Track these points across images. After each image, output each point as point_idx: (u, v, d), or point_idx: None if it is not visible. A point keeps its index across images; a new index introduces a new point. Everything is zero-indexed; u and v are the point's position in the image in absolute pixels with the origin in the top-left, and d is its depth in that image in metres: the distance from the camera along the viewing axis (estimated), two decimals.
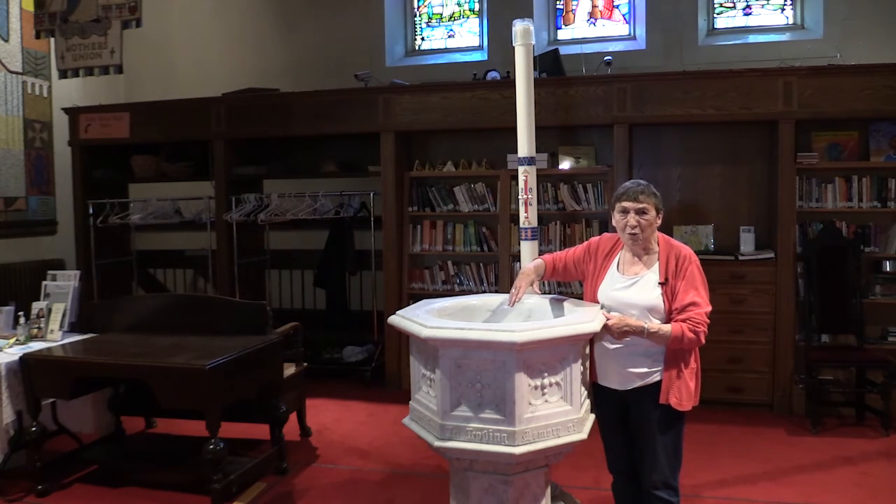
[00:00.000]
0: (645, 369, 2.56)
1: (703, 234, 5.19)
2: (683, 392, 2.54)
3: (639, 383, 2.57)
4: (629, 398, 2.61)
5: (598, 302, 2.69)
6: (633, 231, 2.58)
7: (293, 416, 4.37)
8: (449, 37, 6.76)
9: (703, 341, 2.52)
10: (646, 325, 2.49)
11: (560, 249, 5.18)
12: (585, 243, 2.86)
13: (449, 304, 2.86)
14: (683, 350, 2.54)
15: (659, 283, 2.58)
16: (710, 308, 2.55)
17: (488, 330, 2.33)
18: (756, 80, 4.76)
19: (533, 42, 3.32)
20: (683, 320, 2.50)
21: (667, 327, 2.50)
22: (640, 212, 2.57)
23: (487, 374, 2.30)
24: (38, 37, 5.70)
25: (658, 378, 2.56)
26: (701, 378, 2.65)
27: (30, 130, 6.31)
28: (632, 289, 2.61)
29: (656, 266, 2.61)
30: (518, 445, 2.27)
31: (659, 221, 2.63)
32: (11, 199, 6.12)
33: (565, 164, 5.40)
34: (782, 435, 4.43)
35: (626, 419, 2.66)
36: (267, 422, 3.97)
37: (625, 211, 2.60)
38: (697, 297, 2.53)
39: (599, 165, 5.34)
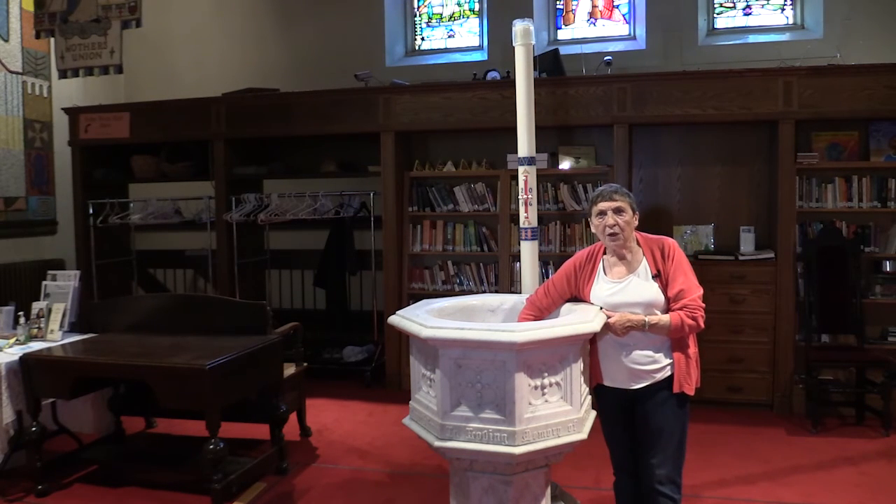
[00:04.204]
0: (654, 365, 2.58)
1: (703, 234, 5.19)
2: (693, 377, 2.60)
3: (649, 381, 2.58)
4: (638, 395, 2.61)
5: None
6: (612, 230, 2.61)
7: (293, 416, 4.37)
8: (449, 37, 6.76)
9: (703, 325, 2.55)
10: (646, 319, 2.52)
11: (560, 250, 5.25)
12: (563, 271, 2.79)
13: (449, 304, 2.86)
14: (684, 337, 2.57)
15: (653, 276, 2.60)
16: (701, 290, 2.59)
17: (488, 330, 2.33)
18: (756, 80, 4.75)
19: (533, 42, 3.33)
20: (680, 308, 2.53)
21: (665, 318, 2.53)
22: (617, 211, 2.61)
23: (487, 374, 2.30)
24: (38, 37, 5.70)
25: (669, 373, 2.58)
26: (700, 376, 2.68)
27: (30, 130, 6.31)
28: (627, 289, 2.62)
29: (644, 262, 2.65)
30: (518, 445, 2.27)
31: (635, 221, 2.66)
32: (11, 199, 6.12)
33: (565, 164, 5.40)
34: (782, 435, 4.43)
35: (631, 418, 2.67)
36: (267, 422, 3.97)
37: (602, 213, 2.63)
38: (688, 282, 2.58)
39: (599, 165, 5.34)
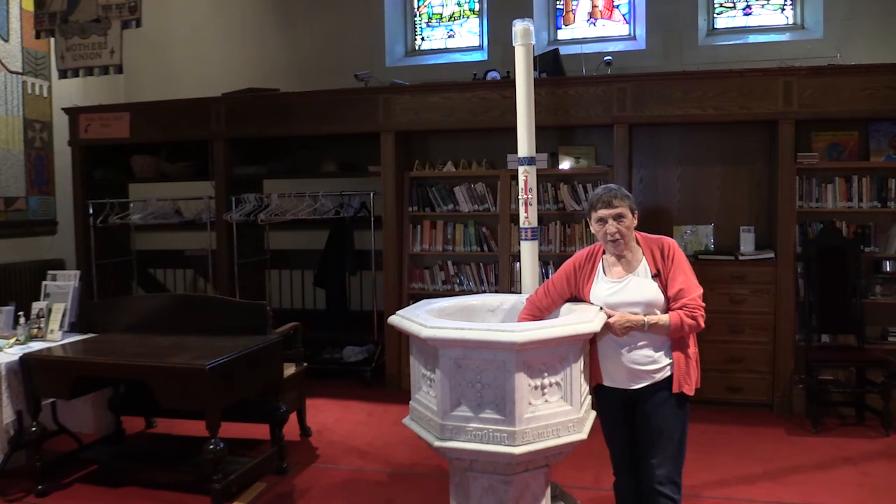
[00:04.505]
0: (654, 366, 2.58)
1: (703, 234, 5.19)
2: (692, 377, 2.60)
3: (648, 381, 2.59)
4: (638, 395, 2.61)
5: None
6: (613, 238, 2.61)
7: (293, 416, 4.37)
8: (449, 37, 6.75)
9: (703, 325, 2.55)
10: (645, 319, 2.52)
11: (560, 250, 5.25)
12: (562, 271, 2.79)
13: (449, 304, 2.86)
14: (684, 337, 2.57)
15: (653, 276, 2.60)
16: (701, 290, 2.59)
17: (488, 330, 2.33)
18: (756, 80, 4.75)
19: (533, 42, 3.33)
20: (679, 308, 2.53)
21: (665, 318, 2.53)
22: (618, 217, 2.60)
23: (487, 374, 2.30)
24: (38, 37, 5.70)
25: (669, 373, 2.58)
26: (700, 376, 2.68)
27: (30, 130, 6.31)
28: (627, 288, 2.62)
29: (643, 261, 2.65)
30: (518, 445, 2.27)
31: (635, 222, 2.66)
32: (11, 199, 6.12)
33: (565, 164, 5.40)
34: (782, 435, 4.43)
35: (631, 418, 2.67)
36: (267, 422, 3.97)
37: (602, 220, 2.62)
38: (687, 281, 2.58)
39: (599, 165, 5.34)
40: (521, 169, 3.36)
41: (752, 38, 5.95)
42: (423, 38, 6.84)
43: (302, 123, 5.63)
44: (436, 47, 6.78)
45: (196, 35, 7.03)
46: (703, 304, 2.57)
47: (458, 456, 2.39)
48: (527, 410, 2.29)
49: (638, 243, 2.69)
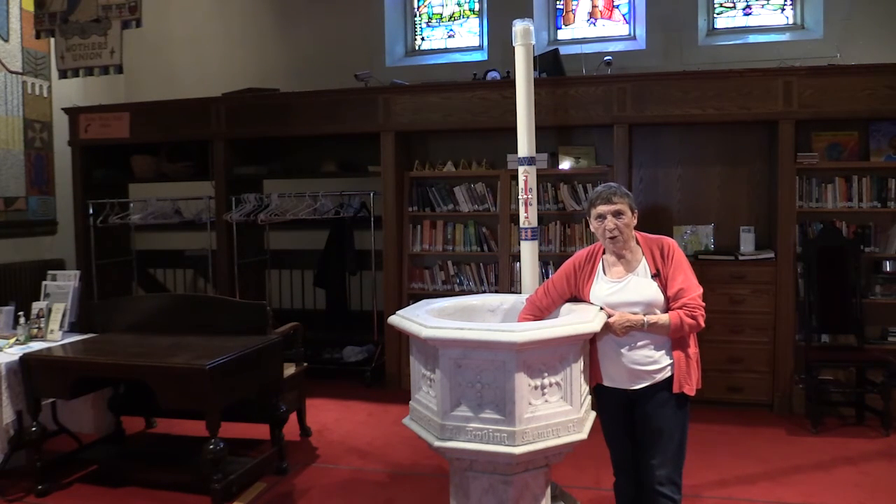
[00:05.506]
0: (654, 366, 2.58)
1: (703, 234, 5.19)
2: (693, 377, 2.59)
3: (648, 381, 2.58)
4: (638, 396, 2.61)
5: None
6: (612, 234, 2.61)
7: (293, 416, 4.37)
8: (449, 37, 6.75)
9: (703, 325, 2.55)
10: (645, 319, 2.52)
11: (560, 250, 5.24)
12: (562, 271, 2.79)
13: (449, 304, 2.87)
14: (684, 336, 2.57)
15: (652, 276, 2.60)
16: (701, 289, 2.59)
17: (488, 330, 2.33)
18: (756, 80, 4.75)
19: (533, 42, 3.33)
20: (679, 308, 2.53)
21: (664, 317, 2.53)
22: (617, 214, 2.61)
23: (487, 374, 2.30)
24: (38, 37, 5.70)
25: (669, 373, 2.57)
26: (700, 376, 2.68)
27: (30, 130, 6.31)
28: (627, 288, 2.62)
29: (643, 261, 2.65)
30: (518, 445, 2.27)
31: (635, 220, 2.66)
32: (11, 199, 6.12)
33: (565, 164, 5.40)
34: (782, 435, 4.43)
35: (631, 418, 2.67)
36: (267, 422, 3.97)
37: (601, 216, 2.63)
38: (687, 281, 2.57)
39: (599, 165, 5.34)
40: (521, 169, 3.36)
41: (752, 38, 5.95)
42: (423, 38, 6.84)
43: (302, 123, 5.64)
44: (436, 47, 6.78)
45: (196, 35, 7.03)
46: (703, 304, 2.57)
47: (458, 456, 2.40)
48: (527, 410, 2.29)
49: (638, 243, 2.69)
